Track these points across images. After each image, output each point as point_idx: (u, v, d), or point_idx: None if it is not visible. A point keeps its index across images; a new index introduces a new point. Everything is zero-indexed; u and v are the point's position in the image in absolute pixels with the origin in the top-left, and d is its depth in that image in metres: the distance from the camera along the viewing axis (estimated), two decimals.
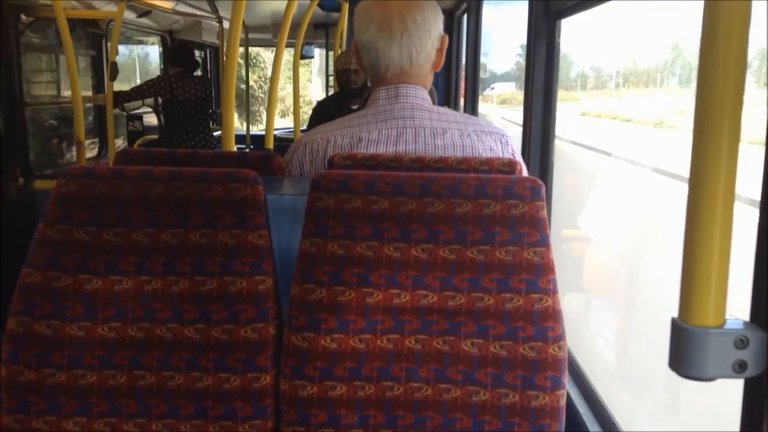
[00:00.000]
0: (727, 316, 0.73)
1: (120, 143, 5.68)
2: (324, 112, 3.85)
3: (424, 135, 1.47)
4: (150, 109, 5.42)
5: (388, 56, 1.49)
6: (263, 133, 4.00)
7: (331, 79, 7.46)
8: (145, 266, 1.22)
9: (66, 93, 4.87)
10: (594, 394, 1.77)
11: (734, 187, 0.70)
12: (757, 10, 0.70)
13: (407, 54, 1.49)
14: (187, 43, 5.97)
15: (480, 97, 4.58)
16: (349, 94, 3.83)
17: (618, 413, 1.69)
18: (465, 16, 4.45)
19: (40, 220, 1.23)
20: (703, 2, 0.69)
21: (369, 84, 1.61)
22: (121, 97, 4.79)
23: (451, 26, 4.96)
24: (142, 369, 1.22)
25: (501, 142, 1.51)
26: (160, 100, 4.92)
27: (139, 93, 4.90)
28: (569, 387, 1.79)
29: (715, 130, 0.69)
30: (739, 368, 0.74)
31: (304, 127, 5.35)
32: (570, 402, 1.74)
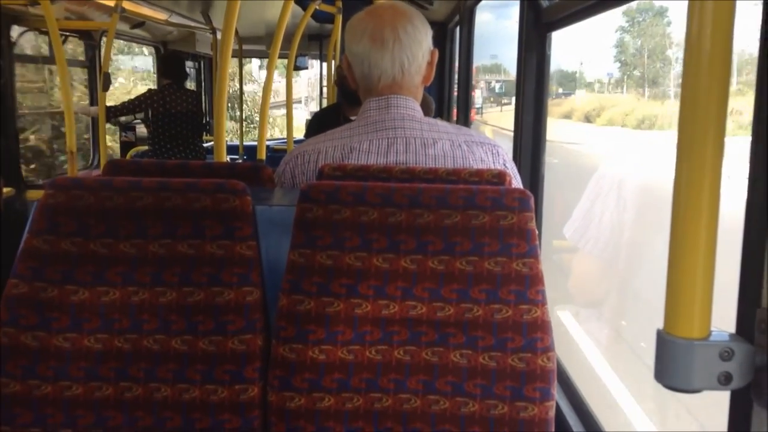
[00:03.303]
0: (713, 328, 0.73)
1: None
2: (321, 123, 3.82)
3: (415, 145, 1.48)
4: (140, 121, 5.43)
5: (380, 66, 1.50)
6: (256, 143, 4.00)
7: (324, 90, 7.47)
8: (132, 277, 1.22)
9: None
10: (584, 405, 1.77)
11: (719, 199, 0.70)
12: (740, 11, 0.70)
13: (399, 64, 1.50)
14: (176, 54, 5.98)
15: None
16: (353, 98, 3.75)
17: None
18: (458, 29, 4.47)
19: (27, 230, 1.22)
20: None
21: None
22: (112, 113, 4.79)
23: (444, 38, 4.99)
24: (129, 381, 1.21)
25: (492, 153, 1.52)
26: (149, 111, 4.92)
27: (131, 107, 4.90)
28: (559, 398, 1.79)
29: (699, 139, 0.70)
30: (725, 380, 0.74)
31: (297, 137, 5.35)
32: (559, 413, 1.74)
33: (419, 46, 1.51)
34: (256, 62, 16.01)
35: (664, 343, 0.73)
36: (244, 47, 7.10)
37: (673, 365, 0.73)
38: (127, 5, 4.17)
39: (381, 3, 1.65)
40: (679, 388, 0.74)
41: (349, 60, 1.55)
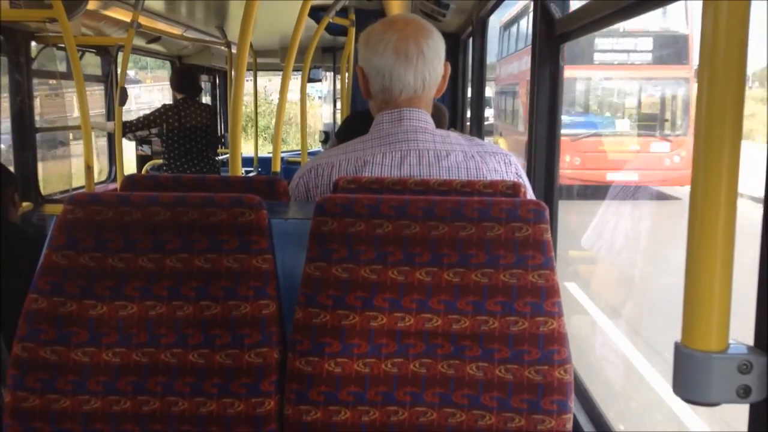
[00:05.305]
0: (731, 341, 0.73)
1: None
2: (350, 128, 3.79)
3: (428, 157, 1.48)
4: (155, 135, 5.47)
5: (403, 80, 1.50)
6: (271, 155, 4.02)
7: (338, 102, 7.50)
8: (150, 291, 1.23)
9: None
10: (601, 417, 1.75)
11: (735, 213, 0.70)
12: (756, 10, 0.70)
13: (421, 78, 1.51)
14: (189, 68, 6.03)
15: None
16: None
17: None
18: (470, 40, 4.48)
19: (46, 246, 1.24)
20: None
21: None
22: (128, 128, 4.82)
23: (456, 50, 5.00)
24: (146, 394, 1.22)
25: (505, 162, 1.52)
26: (165, 126, 4.96)
27: (147, 122, 4.94)
28: (576, 411, 1.77)
29: (716, 147, 0.69)
30: (744, 393, 0.73)
31: (311, 150, 5.37)
32: (577, 426, 1.72)
33: (439, 61, 1.53)
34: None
35: (682, 355, 0.73)
36: (259, 60, 7.16)
37: (691, 378, 0.73)
38: (143, 20, 4.22)
39: (396, 16, 1.65)
40: (698, 401, 0.73)
41: (366, 72, 1.55)
